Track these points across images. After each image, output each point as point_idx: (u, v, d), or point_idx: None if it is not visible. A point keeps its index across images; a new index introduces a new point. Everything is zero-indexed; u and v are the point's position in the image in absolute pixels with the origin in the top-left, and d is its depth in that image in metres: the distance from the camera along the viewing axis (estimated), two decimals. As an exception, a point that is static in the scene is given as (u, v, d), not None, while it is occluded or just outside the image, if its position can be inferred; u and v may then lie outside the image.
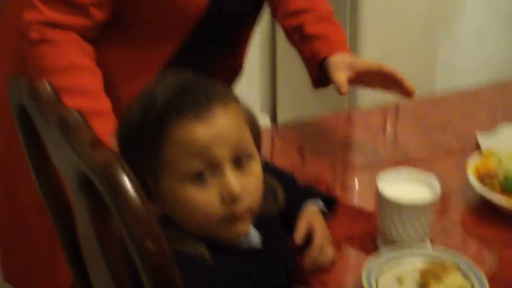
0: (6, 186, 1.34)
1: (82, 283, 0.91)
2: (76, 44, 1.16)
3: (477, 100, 1.54)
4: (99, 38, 1.20)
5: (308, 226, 1.03)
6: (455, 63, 2.40)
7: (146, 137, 0.86)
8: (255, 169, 0.89)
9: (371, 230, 1.06)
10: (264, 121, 2.55)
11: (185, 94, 0.86)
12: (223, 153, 0.85)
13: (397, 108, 1.51)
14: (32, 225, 1.30)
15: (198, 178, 0.85)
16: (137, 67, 1.23)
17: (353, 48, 2.15)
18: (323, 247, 1.01)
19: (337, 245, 1.03)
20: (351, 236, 1.07)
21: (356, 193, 1.25)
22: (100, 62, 1.19)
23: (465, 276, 0.94)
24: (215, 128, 0.85)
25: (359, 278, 0.94)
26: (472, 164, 1.17)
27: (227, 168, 0.85)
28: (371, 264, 0.96)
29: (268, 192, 0.94)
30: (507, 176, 1.12)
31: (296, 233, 1.02)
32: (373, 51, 2.14)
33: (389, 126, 1.50)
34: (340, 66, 1.23)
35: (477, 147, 1.28)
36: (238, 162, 0.86)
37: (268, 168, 0.97)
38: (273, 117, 2.65)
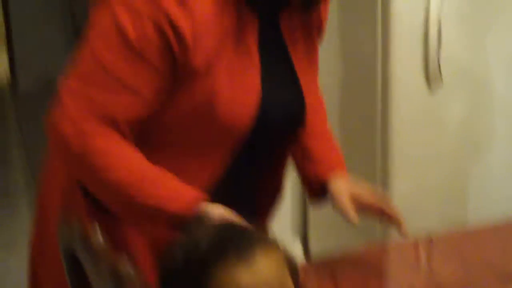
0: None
1: None
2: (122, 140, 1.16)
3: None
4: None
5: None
6: (487, 191, 2.40)
7: (190, 281, 0.88)
8: None
9: None
10: (295, 248, 2.55)
11: (227, 240, 0.89)
12: None
13: (430, 240, 1.52)
14: None
15: None
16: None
17: (384, 178, 2.19)
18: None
19: None
20: None
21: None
22: None
23: None
24: (257, 274, 0.86)
25: None
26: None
27: None
28: None
29: None
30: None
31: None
32: (405, 182, 2.17)
33: (423, 260, 1.49)
34: (344, 194, 1.31)
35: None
36: None
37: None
38: (304, 243, 2.65)
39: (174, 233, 1.07)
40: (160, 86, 1.15)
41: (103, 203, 1.18)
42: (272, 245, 0.91)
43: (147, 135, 1.19)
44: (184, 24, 1.11)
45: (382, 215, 1.31)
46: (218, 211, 1.12)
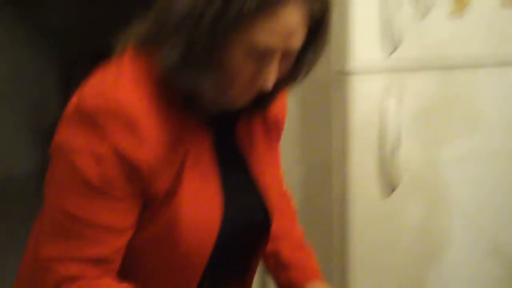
0: None
1: None
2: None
3: None
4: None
5: None
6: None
7: None
8: None
9: None
10: None
11: None
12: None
13: None
14: None
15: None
16: None
17: (342, 275, 2.16)
18: None
19: None
20: None
21: None
22: None
23: None
24: None
25: None
26: None
27: None
28: None
29: None
30: None
31: None
32: (363, 280, 2.15)
33: None
34: None
35: None
36: None
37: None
38: None
39: None
40: (131, 213, 1.14)
41: None
42: None
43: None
44: (137, 156, 1.09)
45: None
46: None
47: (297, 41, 1.10)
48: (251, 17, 1.05)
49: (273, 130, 1.33)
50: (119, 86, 1.11)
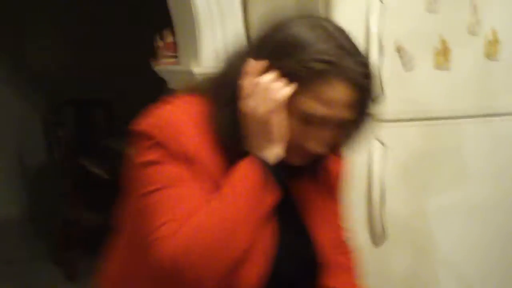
0: None
1: None
2: None
3: None
4: None
5: None
6: None
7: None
8: None
9: None
10: None
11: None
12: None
13: None
14: None
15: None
16: None
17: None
18: None
19: None
20: None
21: None
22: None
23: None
24: None
25: None
26: None
27: None
28: None
29: None
30: None
31: None
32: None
33: None
34: None
35: None
36: None
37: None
38: None
39: None
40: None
41: None
42: None
43: None
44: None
45: None
46: None
47: (344, 112, 1.16)
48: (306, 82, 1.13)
49: (326, 184, 1.38)
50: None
